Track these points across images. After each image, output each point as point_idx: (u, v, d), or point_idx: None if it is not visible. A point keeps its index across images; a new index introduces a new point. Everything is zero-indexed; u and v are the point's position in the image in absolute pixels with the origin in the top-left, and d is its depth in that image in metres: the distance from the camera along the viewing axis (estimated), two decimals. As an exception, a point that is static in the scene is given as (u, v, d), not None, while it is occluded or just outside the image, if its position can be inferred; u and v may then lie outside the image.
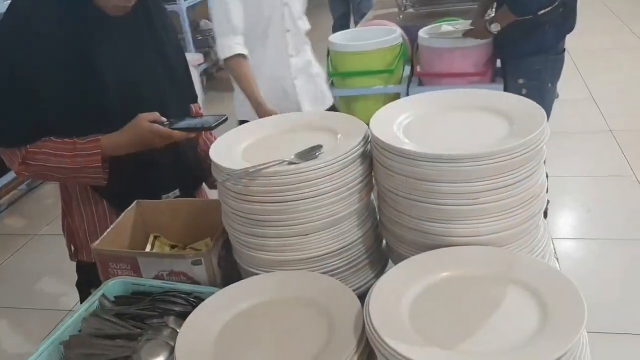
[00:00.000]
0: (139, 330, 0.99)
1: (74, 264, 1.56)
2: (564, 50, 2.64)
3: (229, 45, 2.01)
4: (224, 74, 6.09)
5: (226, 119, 1.29)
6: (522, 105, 1.02)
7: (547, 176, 3.05)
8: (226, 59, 2.04)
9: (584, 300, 0.79)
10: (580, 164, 3.46)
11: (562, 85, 4.34)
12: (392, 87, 2.93)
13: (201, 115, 1.57)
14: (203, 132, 1.42)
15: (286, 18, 2.16)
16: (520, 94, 2.64)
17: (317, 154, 1.01)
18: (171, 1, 4.97)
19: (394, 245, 1.06)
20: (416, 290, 0.87)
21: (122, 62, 1.34)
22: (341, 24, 4.99)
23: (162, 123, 1.29)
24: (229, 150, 1.07)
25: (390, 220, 1.03)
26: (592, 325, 2.35)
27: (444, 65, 2.84)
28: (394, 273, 0.91)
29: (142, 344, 0.95)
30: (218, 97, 5.42)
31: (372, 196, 1.12)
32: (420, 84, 2.99)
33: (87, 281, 1.50)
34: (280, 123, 1.18)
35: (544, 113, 0.96)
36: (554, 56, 2.59)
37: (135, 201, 1.28)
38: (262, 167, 0.97)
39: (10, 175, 3.69)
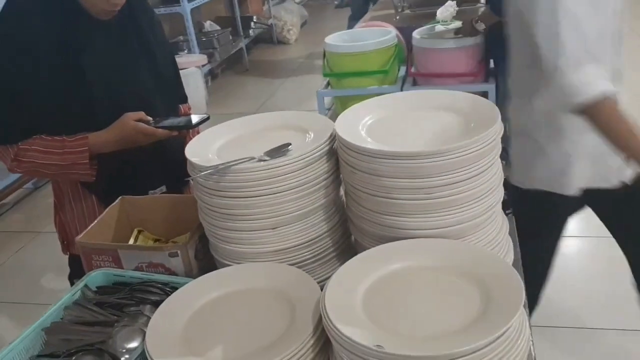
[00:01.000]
0: (115, 317, 1.05)
1: None
2: None
3: (588, 80, 1.29)
4: (227, 75, 6.19)
5: (208, 117, 1.36)
6: (479, 104, 1.07)
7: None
8: (587, 102, 1.29)
9: (523, 285, 0.83)
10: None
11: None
12: (387, 87, 2.96)
13: (188, 115, 1.63)
14: (187, 130, 1.48)
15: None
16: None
17: (285, 151, 1.06)
18: (175, 3, 5.06)
19: (359, 238, 1.11)
20: (371, 280, 0.93)
21: (109, 63, 1.40)
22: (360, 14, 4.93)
23: (147, 122, 1.35)
24: (203, 148, 1.13)
25: (354, 215, 1.09)
26: (579, 320, 2.39)
27: (436, 66, 2.88)
28: (351, 264, 0.96)
29: (118, 330, 1.02)
30: (222, 98, 5.50)
31: (342, 192, 1.17)
32: (415, 84, 3.04)
33: (78, 274, 1.56)
34: (255, 122, 1.24)
35: (498, 112, 1.01)
36: None
37: (120, 197, 1.35)
38: (230, 164, 1.02)
39: (16, 175, 3.78)
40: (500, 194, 1.05)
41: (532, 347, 0.95)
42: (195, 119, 1.37)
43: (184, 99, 1.67)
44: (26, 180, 3.90)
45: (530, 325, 0.99)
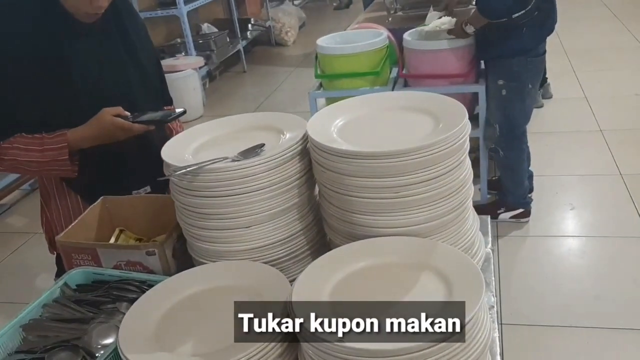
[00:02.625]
0: (92, 315, 1.07)
1: None
2: (543, 52, 2.69)
3: None
4: (225, 77, 6.21)
5: (184, 112, 1.39)
6: (448, 105, 1.09)
7: (532, 175, 3.11)
8: None
9: (484, 280, 0.85)
10: (568, 163, 3.50)
11: (556, 85, 4.42)
12: (379, 88, 2.99)
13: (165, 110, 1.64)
14: (163, 124, 1.49)
15: None
16: (500, 94, 2.71)
17: (258, 151, 1.08)
18: (172, 5, 5.09)
19: (332, 236, 1.13)
20: (338, 277, 0.95)
21: (92, 66, 1.43)
22: None
23: (125, 117, 1.37)
24: (180, 149, 1.16)
25: (326, 213, 1.11)
26: (573, 319, 2.42)
27: (427, 67, 2.90)
28: (320, 262, 0.98)
29: (94, 327, 1.04)
30: (220, 100, 5.53)
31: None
32: (406, 85, 3.06)
33: (64, 272, 1.59)
34: (233, 123, 1.26)
35: (465, 112, 1.03)
36: (534, 58, 2.64)
37: (102, 197, 1.37)
38: (204, 164, 1.04)
39: (13, 176, 3.82)
40: (469, 191, 1.07)
41: (498, 343, 0.97)
42: (172, 113, 1.40)
43: (169, 101, 1.70)
44: (23, 182, 3.94)
45: (498, 321, 1.01)
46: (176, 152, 1.14)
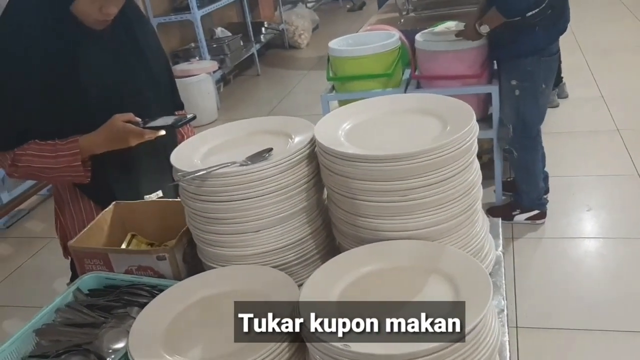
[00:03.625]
0: (103, 319, 1.08)
1: None
2: (556, 52, 2.67)
3: None
4: (239, 81, 6.25)
5: (194, 117, 1.40)
6: (456, 107, 1.08)
7: (547, 176, 3.10)
8: None
9: (491, 283, 0.84)
10: (584, 163, 3.46)
11: (572, 85, 4.37)
12: (390, 90, 2.98)
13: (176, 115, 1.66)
14: (174, 129, 1.51)
15: None
16: (513, 95, 2.69)
17: (266, 155, 1.09)
18: (185, 10, 5.13)
19: (340, 240, 1.13)
20: (347, 280, 0.95)
21: (103, 73, 1.44)
22: None
23: (136, 123, 1.39)
24: (189, 154, 1.16)
25: (335, 217, 1.11)
26: (593, 323, 2.39)
27: (440, 68, 2.89)
28: (328, 266, 0.98)
29: (105, 331, 1.05)
30: (234, 103, 5.56)
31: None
32: (419, 86, 3.05)
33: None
34: (242, 128, 1.26)
35: (473, 114, 1.02)
36: (547, 57, 2.62)
37: (114, 202, 1.38)
38: (212, 169, 1.05)
39: (31, 182, 3.87)
40: (478, 194, 1.06)
41: (508, 347, 0.96)
42: (183, 118, 1.41)
43: (180, 106, 1.71)
44: (41, 187, 3.99)
45: (513, 324, 1.00)
46: (185, 157, 1.15)
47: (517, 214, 2.95)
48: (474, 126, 1.01)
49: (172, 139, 1.55)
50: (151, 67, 1.55)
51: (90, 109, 1.42)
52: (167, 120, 1.44)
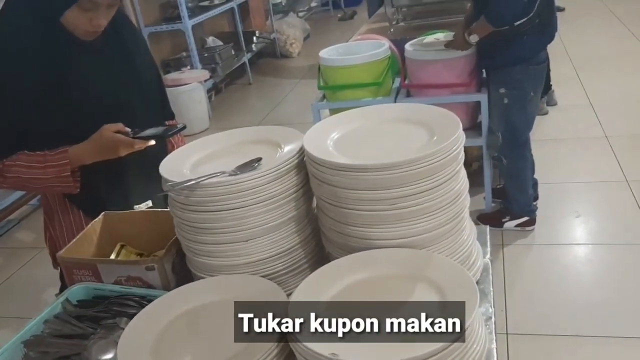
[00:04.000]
0: (92, 330, 1.08)
1: None
2: (544, 60, 2.70)
3: None
4: (231, 90, 6.26)
5: (184, 127, 1.40)
6: (442, 116, 1.09)
7: (537, 183, 3.12)
8: None
9: (477, 290, 0.85)
10: (573, 170, 3.49)
11: (561, 92, 4.41)
12: (381, 99, 3.00)
13: (166, 126, 1.66)
14: (164, 139, 1.51)
15: None
16: (502, 103, 2.72)
17: (255, 165, 1.09)
18: (176, 20, 5.14)
19: (329, 249, 1.13)
20: (335, 290, 0.95)
21: (92, 83, 1.44)
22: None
23: (126, 133, 1.39)
24: (178, 164, 1.17)
25: (324, 226, 1.11)
26: (583, 329, 2.39)
27: (429, 77, 2.91)
28: (317, 275, 0.99)
29: (94, 342, 1.04)
30: (225, 112, 5.56)
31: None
32: (409, 95, 3.07)
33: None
34: (231, 137, 1.27)
35: (459, 123, 1.03)
36: (535, 66, 2.64)
37: (103, 213, 1.38)
38: (200, 179, 1.05)
39: (22, 192, 3.85)
40: (465, 202, 1.07)
41: (495, 355, 0.96)
42: (173, 128, 1.41)
43: (170, 116, 1.71)
44: (32, 197, 3.97)
45: (504, 331, 1.01)
46: (174, 167, 1.15)
47: (506, 221, 2.96)
48: (461, 135, 1.02)
49: (163, 149, 1.55)
50: (141, 78, 1.56)
51: (80, 119, 1.42)
52: (157, 130, 1.44)
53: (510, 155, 2.83)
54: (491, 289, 1.12)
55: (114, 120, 1.44)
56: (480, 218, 3.01)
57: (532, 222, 2.95)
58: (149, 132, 1.42)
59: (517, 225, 2.95)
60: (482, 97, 2.83)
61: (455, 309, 0.84)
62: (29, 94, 1.37)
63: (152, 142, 1.41)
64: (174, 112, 1.75)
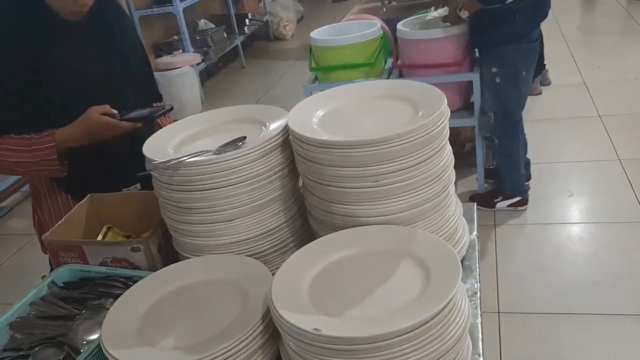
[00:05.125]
0: (77, 311, 1.07)
1: None
2: (537, 38, 2.68)
3: None
4: (224, 73, 6.21)
5: (172, 108, 1.39)
6: (427, 92, 1.08)
7: (529, 163, 3.12)
8: None
9: (460, 264, 0.85)
10: (566, 150, 3.48)
11: (554, 72, 4.39)
12: (373, 79, 2.98)
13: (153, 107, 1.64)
14: (151, 121, 1.50)
15: None
16: (494, 82, 2.70)
17: (240, 144, 1.08)
18: (168, 2, 5.08)
19: (315, 227, 1.13)
20: (319, 267, 0.95)
21: (78, 64, 1.42)
22: None
23: (112, 115, 1.37)
24: (162, 144, 1.15)
25: (310, 205, 1.11)
26: (574, 307, 2.40)
27: (421, 57, 2.89)
28: (301, 253, 0.98)
29: (79, 323, 1.04)
30: (218, 96, 5.53)
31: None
32: (401, 75, 3.05)
33: (55, 271, 1.59)
34: (216, 117, 1.25)
35: (444, 98, 1.02)
36: (527, 44, 2.62)
37: (89, 195, 1.37)
38: (183, 158, 1.04)
39: (13, 178, 3.84)
40: (450, 178, 1.06)
41: (480, 329, 0.96)
42: (159, 109, 1.40)
43: (158, 97, 1.70)
44: (23, 184, 3.95)
45: (479, 308, 1.01)
46: (158, 146, 1.14)
47: (499, 201, 2.97)
48: (445, 110, 1.01)
49: (150, 131, 1.54)
50: (128, 58, 1.54)
51: (66, 101, 1.41)
52: (144, 112, 1.43)
53: (502, 135, 2.83)
54: (477, 265, 1.12)
55: (100, 101, 1.42)
56: (473, 198, 3.01)
57: (524, 202, 2.95)
58: (136, 113, 1.40)
59: (509, 205, 2.95)
60: (475, 77, 2.81)
61: (438, 283, 0.84)
62: (11, 74, 1.35)
63: (139, 125, 1.39)
64: (162, 95, 1.73)
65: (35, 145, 1.39)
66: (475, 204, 1.32)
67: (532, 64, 2.74)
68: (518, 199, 2.94)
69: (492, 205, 2.95)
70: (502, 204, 2.95)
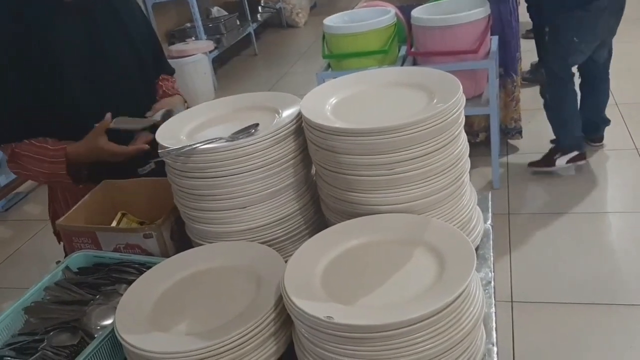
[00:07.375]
0: (91, 297, 1.08)
1: None
2: (597, 10, 2.70)
3: None
4: (237, 61, 6.20)
5: (171, 112, 1.39)
6: (443, 79, 1.07)
7: (592, 117, 3.14)
8: None
9: (475, 253, 0.84)
10: (583, 139, 3.43)
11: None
12: (387, 67, 2.96)
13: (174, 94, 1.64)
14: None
15: None
16: (544, 40, 2.82)
17: (253, 131, 1.08)
18: (180, -10, 5.07)
19: (328, 215, 1.12)
20: (332, 255, 0.94)
21: (77, 45, 1.40)
22: None
23: (107, 123, 1.37)
24: (175, 131, 1.15)
25: (322, 192, 1.10)
26: (588, 297, 2.36)
27: (435, 44, 2.86)
28: (314, 241, 0.98)
29: (93, 309, 1.05)
30: (231, 83, 5.52)
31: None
32: (415, 63, 3.02)
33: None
34: (229, 104, 1.25)
35: (459, 85, 1.01)
36: (584, 13, 2.68)
37: (103, 181, 1.38)
38: (196, 144, 1.04)
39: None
40: (465, 166, 1.05)
41: (494, 319, 0.96)
42: (159, 116, 1.40)
43: (170, 71, 1.69)
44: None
45: (493, 297, 1.00)
46: (171, 133, 1.14)
47: (557, 157, 2.98)
48: (461, 98, 0.99)
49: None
50: (132, 35, 1.51)
51: (67, 83, 1.38)
52: (140, 122, 1.43)
53: (550, 88, 2.88)
54: (491, 254, 1.11)
55: (104, 83, 1.42)
56: (532, 164, 3.06)
57: (582, 156, 2.96)
58: (132, 124, 1.41)
59: (568, 161, 2.96)
60: (490, 64, 2.77)
61: (452, 272, 0.83)
62: (13, 59, 1.34)
63: (147, 147, 1.39)
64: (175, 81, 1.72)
65: (49, 157, 1.41)
66: (490, 192, 1.30)
67: (585, 33, 2.76)
68: (575, 153, 2.94)
69: (552, 163, 2.98)
70: (562, 161, 2.96)
